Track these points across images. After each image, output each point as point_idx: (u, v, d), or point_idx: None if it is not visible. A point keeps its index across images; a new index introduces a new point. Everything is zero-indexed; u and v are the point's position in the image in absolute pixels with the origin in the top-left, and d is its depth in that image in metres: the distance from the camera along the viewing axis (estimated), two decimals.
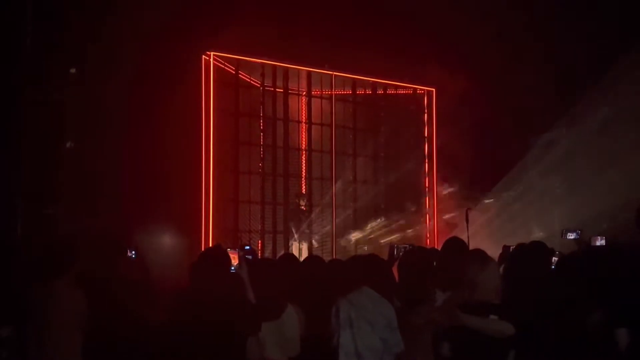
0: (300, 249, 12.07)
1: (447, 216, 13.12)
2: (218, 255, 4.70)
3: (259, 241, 12.05)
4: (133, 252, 5.49)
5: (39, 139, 7.99)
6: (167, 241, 9.97)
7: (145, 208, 9.49)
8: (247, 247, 7.40)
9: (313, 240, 12.35)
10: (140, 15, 9.23)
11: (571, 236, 7.09)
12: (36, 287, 4.65)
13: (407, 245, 6.06)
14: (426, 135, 13.64)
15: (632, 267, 4.86)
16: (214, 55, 11.29)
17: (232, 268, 4.84)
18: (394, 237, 12.50)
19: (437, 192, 13.44)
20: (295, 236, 12.14)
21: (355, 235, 12.84)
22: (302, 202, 12.36)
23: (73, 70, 8.71)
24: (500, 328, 4.31)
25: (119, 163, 9.23)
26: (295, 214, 12.21)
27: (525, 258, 5.31)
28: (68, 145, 8.48)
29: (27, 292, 4.69)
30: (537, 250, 5.52)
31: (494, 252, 5.15)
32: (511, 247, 5.95)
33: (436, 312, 4.91)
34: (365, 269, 4.92)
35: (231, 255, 4.87)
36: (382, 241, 12.64)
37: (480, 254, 4.70)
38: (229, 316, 4.31)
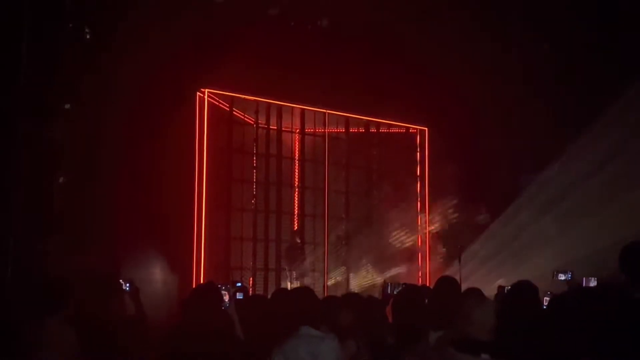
0: (293, 286, 12.01)
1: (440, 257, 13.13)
2: (209, 291, 4.67)
3: (250, 278, 12.00)
4: (127, 285, 5.43)
5: (31, 174, 7.95)
6: (158, 277, 9.93)
7: (138, 244, 9.46)
8: (239, 285, 7.35)
9: (305, 277, 12.31)
10: (135, 51, 9.30)
11: (562, 277, 7.08)
12: (29, 325, 4.61)
13: (401, 284, 6.04)
14: (419, 174, 13.69)
15: (618, 307, 4.86)
16: (208, 92, 11.36)
17: (224, 307, 4.80)
18: (386, 275, 12.47)
19: (429, 230, 13.46)
20: (289, 273, 12.10)
21: (347, 273, 12.81)
22: (298, 239, 12.35)
23: (67, 106, 8.71)
24: None
25: (112, 199, 9.20)
26: (291, 251, 12.18)
27: (518, 298, 5.31)
28: (61, 180, 8.44)
29: (19, 329, 4.64)
30: (529, 290, 5.53)
31: (486, 291, 5.14)
32: (506, 288, 5.94)
33: (430, 351, 4.88)
34: (300, 305, 4.49)
35: (224, 293, 4.85)
36: (374, 278, 12.62)
37: (476, 291, 4.69)
38: (219, 352, 4.27)
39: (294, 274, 12.17)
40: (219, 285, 5.06)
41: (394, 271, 12.79)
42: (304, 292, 4.85)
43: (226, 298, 4.92)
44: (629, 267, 5.15)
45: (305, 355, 4.17)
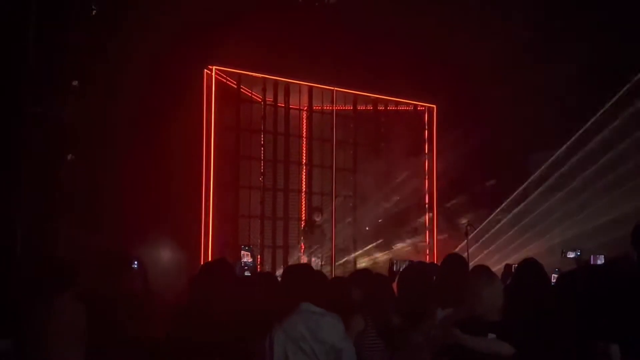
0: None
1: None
2: (219, 269, 4.67)
3: (259, 255, 12.03)
4: (135, 263, 5.46)
5: (40, 153, 7.99)
6: (167, 255, 9.97)
7: (146, 221, 9.50)
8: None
9: (318, 255, 12.35)
10: (142, 29, 9.28)
11: (571, 255, 7.07)
12: (37, 302, 4.64)
13: (407, 261, 6.04)
14: (426, 151, 13.66)
15: (627, 284, 4.87)
16: (216, 69, 11.33)
17: (245, 265, 4.83)
18: (393, 253, 12.50)
19: (437, 208, 13.45)
20: (306, 251, 12.16)
21: (355, 250, 12.84)
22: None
23: (75, 83, 8.71)
24: (498, 349, 4.27)
25: (120, 177, 9.24)
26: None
27: (526, 276, 5.31)
28: (69, 157, 8.46)
29: (27, 306, 4.68)
30: (537, 269, 5.53)
31: (494, 268, 5.15)
32: (513, 266, 5.94)
33: (435, 329, 4.89)
34: (301, 282, 4.46)
35: (243, 254, 4.89)
36: (381, 256, 12.65)
37: (485, 269, 4.69)
38: (230, 332, 4.28)
39: (308, 251, 12.19)
40: (242, 246, 5.08)
41: (401, 248, 12.81)
42: (307, 268, 4.86)
43: (249, 259, 4.93)
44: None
45: (305, 331, 4.17)
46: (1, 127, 7.48)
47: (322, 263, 12.21)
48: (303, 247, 12.33)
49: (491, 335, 4.30)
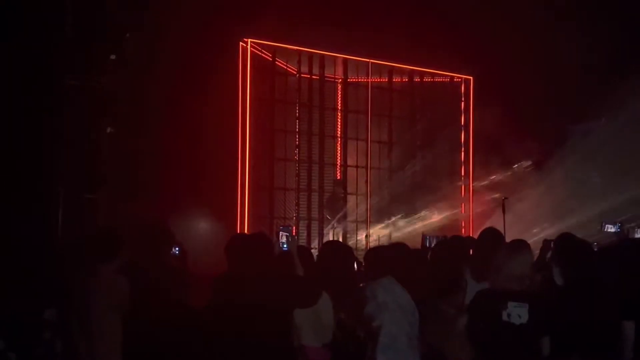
0: (337, 236, 12.15)
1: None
2: (259, 242, 4.71)
3: (294, 227, 12.11)
4: (177, 249, 5.50)
5: (79, 125, 8.09)
6: (203, 227, 10.10)
7: (183, 193, 9.63)
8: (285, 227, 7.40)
9: (348, 227, 12.41)
10: (178, 2, 9.31)
11: (611, 229, 6.94)
12: (81, 272, 4.71)
13: (439, 236, 6.03)
14: (463, 123, 13.56)
15: None
16: (251, 42, 11.35)
17: (285, 246, 4.90)
18: (428, 225, 12.49)
19: (472, 180, 13.37)
20: (333, 222, 12.21)
21: (390, 223, 12.85)
22: (340, 190, 12.40)
23: (113, 57, 8.78)
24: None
25: (157, 149, 9.36)
26: (332, 201, 12.25)
27: (562, 251, 5.30)
28: (108, 130, 8.57)
29: (71, 276, 4.76)
30: (574, 244, 5.50)
31: (529, 242, 5.13)
32: (551, 242, 5.90)
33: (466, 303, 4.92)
34: (389, 260, 4.85)
35: (282, 234, 4.96)
36: (417, 228, 12.65)
37: (514, 242, 4.72)
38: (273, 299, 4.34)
39: (337, 223, 12.25)
40: (280, 227, 5.15)
41: (436, 220, 12.78)
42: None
43: (287, 240, 5.00)
44: None
45: (397, 288, 4.57)
46: (42, 99, 7.59)
47: (348, 236, 12.27)
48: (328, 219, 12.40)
49: (512, 304, 4.35)
